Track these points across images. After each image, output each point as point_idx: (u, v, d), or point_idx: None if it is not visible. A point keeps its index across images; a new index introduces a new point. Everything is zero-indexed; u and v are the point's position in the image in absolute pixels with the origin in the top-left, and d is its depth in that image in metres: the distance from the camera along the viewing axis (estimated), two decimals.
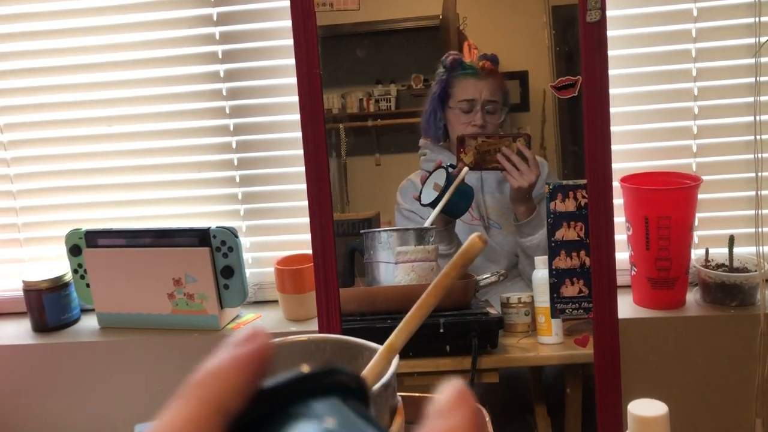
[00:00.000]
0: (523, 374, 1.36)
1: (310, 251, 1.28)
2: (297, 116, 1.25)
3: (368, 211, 1.36)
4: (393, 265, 1.29)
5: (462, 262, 0.54)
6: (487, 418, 0.80)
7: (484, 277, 1.31)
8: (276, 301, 1.48)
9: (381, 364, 0.59)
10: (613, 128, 1.19)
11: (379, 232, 1.31)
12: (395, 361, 0.62)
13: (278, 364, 0.73)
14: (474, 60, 1.28)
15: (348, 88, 1.32)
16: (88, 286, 1.46)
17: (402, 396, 0.68)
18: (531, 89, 1.28)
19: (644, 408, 0.72)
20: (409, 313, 0.57)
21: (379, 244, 1.31)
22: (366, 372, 0.60)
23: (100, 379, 1.44)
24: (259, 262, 1.53)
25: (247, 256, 1.51)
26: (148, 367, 1.42)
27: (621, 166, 1.36)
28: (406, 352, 1.27)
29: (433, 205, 1.27)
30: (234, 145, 1.48)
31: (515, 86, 1.29)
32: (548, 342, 1.27)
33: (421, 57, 1.34)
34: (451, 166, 1.27)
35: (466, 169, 1.26)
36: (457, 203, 1.28)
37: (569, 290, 1.24)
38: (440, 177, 1.28)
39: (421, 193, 1.29)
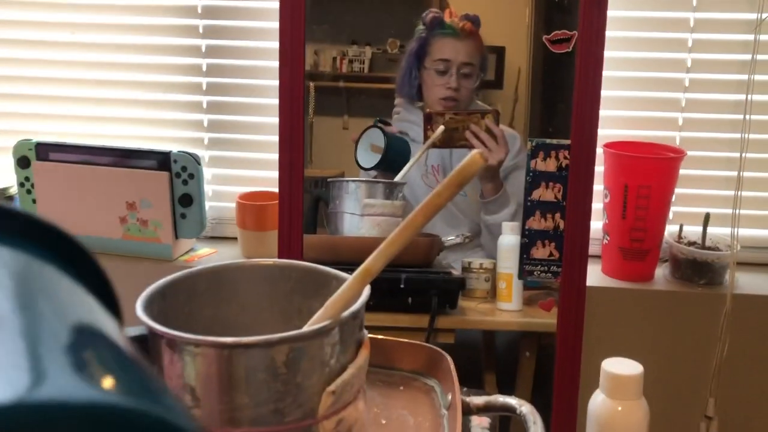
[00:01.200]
0: (476, 343, 1.33)
1: (275, 189, 1.22)
2: (275, 43, 1.17)
3: (331, 170, 1.31)
4: (358, 217, 1.25)
5: (458, 181, 0.49)
6: (452, 365, 0.76)
7: (449, 239, 1.28)
8: (234, 239, 1.41)
9: (354, 288, 0.54)
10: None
11: (347, 181, 1.26)
12: (366, 290, 0.57)
13: (239, 287, 0.67)
14: (455, 20, 1.23)
15: (322, 45, 1.26)
16: (34, 201, 1.37)
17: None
18: (507, 66, 1.24)
19: (618, 366, 0.69)
20: (392, 234, 0.52)
21: (346, 194, 1.26)
22: (337, 296, 0.55)
23: None
24: (219, 196, 1.46)
25: (207, 189, 1.44)
26: None
27: (604, 133, 1.32)
28: (368, 303, 1.25)
29: (377, 167, 1.23)
30: (204, 68, 1.40)
31: (491, 61, 1.25)
32: (508, 308, 1.24)
33: (400, 21, 1.28)
34: (382, 121, 1.23)
35: (441, 128, 1.22)
36: (399, 160, 1.24)
37: (540, 252, 1.21)
38: (376, 137, 1.24)
39: (356, 155, 1.24)
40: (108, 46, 1.40)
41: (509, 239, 1.22)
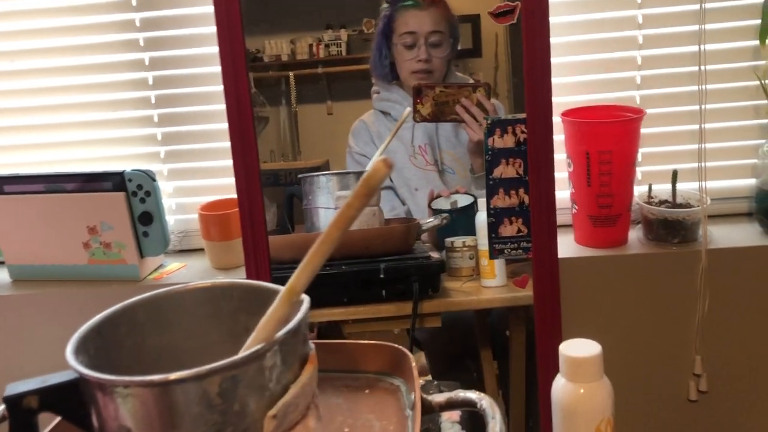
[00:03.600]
0: (468, 319, 1.32)
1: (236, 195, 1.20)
2: (217, 49, 1.14)
3: (317, 160, 1.28)
4: (333, 210, 1.23)
5: (365, 191, 0.47)
6: (413, 363, 0.74)
7: (427, 221, 1.26)
8: (203, 250, 1.39)
9: (282, 308, 0.52)
10: (553, 60, 1.12)
11: (317, 176, 1.25)
12: (305, 305, 0.55)
13: (180, 311, 0.65)
14: None
15: (297, 34, 1.25)
16: None
17: (316, 343, 0.61)
18: (483, 34, 1.22)
19: (576, 348, 0.67)
20: (311, 251, 0.50)
21: (318, 189, 1.24)
22: (266, 317, 0.53)
23: (13, 334, 1.34)
24: (183, 208, 1.43)
25: (171, 202, 1.42)
26: (65, 320, 1.32)
27: (562, 100, 1.30)
28: (339, 299, 1.23)
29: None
30: (150, 81, 1.36)
31: (467, 30, 1.23)
32: (491, 285, 1.23)
33: (373, 0, 1.25)
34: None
35: (408, 110, 1.21)
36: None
37: (508, 230, 1.19)
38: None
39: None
40: (51, 70, 1.37)
41: (485, 216, 1.20)
